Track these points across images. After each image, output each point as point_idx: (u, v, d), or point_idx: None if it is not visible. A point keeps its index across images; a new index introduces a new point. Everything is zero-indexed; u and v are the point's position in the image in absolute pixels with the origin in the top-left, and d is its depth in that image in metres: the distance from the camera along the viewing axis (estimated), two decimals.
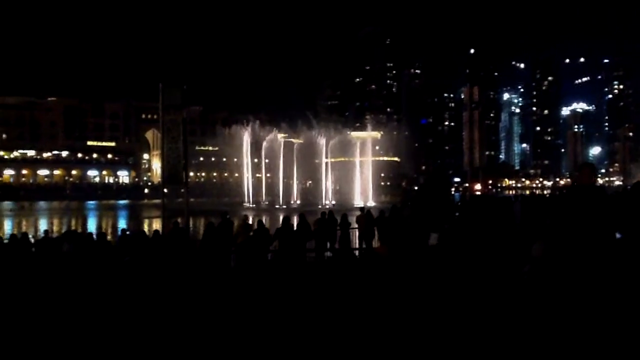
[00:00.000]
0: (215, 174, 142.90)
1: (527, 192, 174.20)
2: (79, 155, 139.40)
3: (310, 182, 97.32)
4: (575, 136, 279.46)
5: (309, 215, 18.57)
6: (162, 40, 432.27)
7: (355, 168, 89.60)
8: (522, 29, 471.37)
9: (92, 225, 49.82)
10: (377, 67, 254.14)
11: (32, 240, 18.20)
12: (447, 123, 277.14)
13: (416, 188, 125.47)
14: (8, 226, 48.42)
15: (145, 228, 39.89)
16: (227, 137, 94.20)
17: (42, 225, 47.69)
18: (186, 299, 10.30)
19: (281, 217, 19.94)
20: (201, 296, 10.72)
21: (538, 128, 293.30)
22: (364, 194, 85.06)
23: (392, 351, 6.16)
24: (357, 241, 19.65)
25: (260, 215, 46.02)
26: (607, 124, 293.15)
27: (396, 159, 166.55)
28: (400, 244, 9.58)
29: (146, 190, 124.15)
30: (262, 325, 7.72)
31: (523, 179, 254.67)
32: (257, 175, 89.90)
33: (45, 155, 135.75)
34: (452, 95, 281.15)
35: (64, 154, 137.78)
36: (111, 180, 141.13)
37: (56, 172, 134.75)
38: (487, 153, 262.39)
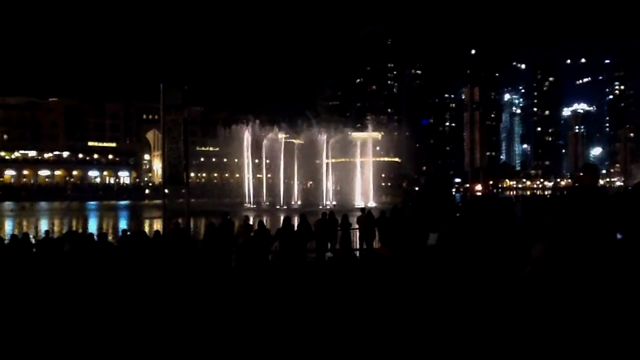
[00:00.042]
0: (216, 175, 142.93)
1: (528, 192, 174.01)
2: (80, 155, 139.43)
3: (311, 182, 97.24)
4: (576, 137, 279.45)
5: (309, 216, 18.57)
6: (163, 41, 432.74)
7: (356, 168, 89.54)
8: (523, 29, 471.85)
9: (93, 226, 49.82)
10: (378, 68, 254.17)
11: (33, 241, 18.20)
12: (448, 124, 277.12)
13: (417, 189, 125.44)
14: (9, 226, 48.44)
15: (146, 228, 39.90)
16: (227, 138, 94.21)
17: (43, 225, 47.70)
18: (187, 300, 10.30)
19: (282, 218, 19.96)
20: (202, 297, 10.72)
21: (539, 129, 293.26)
22: (364, 194, 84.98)
23: (393, 351, 6.15)
24: (357, 242, 19.64)
25: (261, 215, 46.02)
26: (608, 124, 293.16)
27: (397, 159, 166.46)
28: (401, 244, 9.57)
29: (147, 191, 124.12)
30: (263, 326, 7.72)
31: (524, 180, 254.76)
32: (258, 175, 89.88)
33: (46, 155, 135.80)
34: (453, 95, 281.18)
35: (65, 154, 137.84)
36: (112, 181, 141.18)
37: (57, 172, 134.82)
38: (487, 154, 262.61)
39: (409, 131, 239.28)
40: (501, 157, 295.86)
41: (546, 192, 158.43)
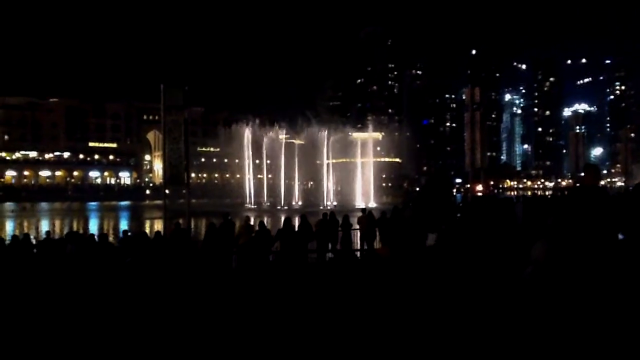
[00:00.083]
0: (216, 175, 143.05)
1: (529, 193, 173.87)
2: (81, 156, 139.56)
3: (311, 183, 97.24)
4: (577, 137, 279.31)
5: (310, 216, 18.57)
6: (163, 41, 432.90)
7: (357, 169, 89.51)
8: (523, 29, 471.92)
9: (93, 227, 49.85)
10: (379, 68, 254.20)
11: (34, 242, 18.20)
12: (448, 124, 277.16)
13: (417, 189, 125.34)
14: (10, 227, 48.47)
15: (147, 229, 39.93)
16: (228, 138, 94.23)
17: (44, 226, 47.73)
18: (188, 300, 10.30)
19: (283, 218, 19.97)
20: (203, 297, 10.72)
21: (540, 129, 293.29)
22: (365, 195, 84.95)
23: (393, 352, 6.15)
24: (358, 242, 19.63)
25: (262, 216, 46.00)
26: (608, 124, 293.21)
27: (398, 160, 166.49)
28: (401, 245, 9.57)
29: (148, 191, 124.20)
30: (264, 326, 7.71)
31: (525, 180, 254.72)
32: (259, 176, 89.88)
33: (47, 156, 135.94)
34: (453, 96, 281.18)
35: (66, 155, 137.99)
36: (113, 181, 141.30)
37: (58, 173, 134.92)
38: (488, 154, 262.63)
39: (409, 131, 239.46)
40: (502, 157, 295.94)
41: (547, 193, 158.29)
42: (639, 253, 6.19)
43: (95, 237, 17.21)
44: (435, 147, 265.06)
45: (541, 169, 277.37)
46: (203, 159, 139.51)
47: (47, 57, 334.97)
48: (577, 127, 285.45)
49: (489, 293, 8.15)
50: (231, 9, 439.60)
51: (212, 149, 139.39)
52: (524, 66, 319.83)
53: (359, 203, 72.88)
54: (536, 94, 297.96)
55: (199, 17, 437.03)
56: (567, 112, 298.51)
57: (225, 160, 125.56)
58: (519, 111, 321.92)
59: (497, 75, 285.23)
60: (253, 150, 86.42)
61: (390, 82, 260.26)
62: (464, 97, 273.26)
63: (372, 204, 70.15)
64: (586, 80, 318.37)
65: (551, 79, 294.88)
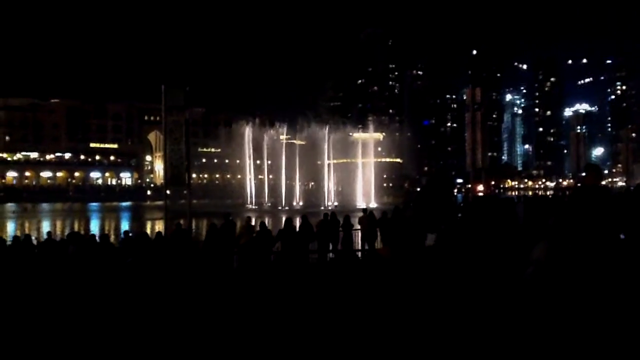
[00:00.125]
0: (217, 176, 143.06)
1: (530, 193, 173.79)
2: (82, 157, 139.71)
3: (312, 183, 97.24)
4: (578, 137, 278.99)
5: (311, 217, 18.57)
6: (164, 42, 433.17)
7: (358, 169, 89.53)
8: (524, 29, 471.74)
9: (95, 227, 49.89)
10: (380, 69, 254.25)
11: (35, 242, 18.22)
12: (449, 124, 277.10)
13: (418, 189, 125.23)
14: (11, 228, 48.51)
15: (148, 230, 39.97)
16: (229, 139, 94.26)
17: (45, 227, 47.75)
18: (189, 301, 10.31)
19: (284, 219, 19.96)
20: (204, 298, 10.72)
21: (540, 129, 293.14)
22: (366, 195, 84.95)
23: (394, 352, 6.15)
24: (359, 242, 19.63)
25: (263, 216, 46.00)
26: (609, 124, 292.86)
27: (398, 160, 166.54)
28: (402, 245, 9.57)
29: (149, 192, 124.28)
30: (265, 327, 7.72)
31: (526, 180, 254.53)
32: (260, 176, 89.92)
33: (48, 157, 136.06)
34: (454, 96, 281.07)
35: (67, 155, 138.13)
36: (114, 182, 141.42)
37: (59, 173, 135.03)
38: (489, 154, 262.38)
39: (410, 132, 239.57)
40: (503, 157, 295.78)
41: (548, 193, 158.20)
42: (639, 253, 6.19)
43: (97, 237, 17.21)
44: (436, 147, 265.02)
45: (542, 169, 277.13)
46: (204, 160, 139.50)
47: (48, 58, 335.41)
48: (578, 127, 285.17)
49: (489, 293, 8.15)
50: (232, 10, 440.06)
51: (213, 150, 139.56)
52: (524, 66, 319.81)
53: (360, 203, 72.89)
54: (537, 94, 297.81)
55: (200, 18, 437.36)
56: (568, 112, 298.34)
57: (226, 161, 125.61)
58: (520, 111, 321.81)
59: (498, 75, 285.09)
60: (254, 150, 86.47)
61: (391, 83, 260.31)
62: (464, 98, 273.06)
63: (373, 204, 70.14)
64: (587, 80, 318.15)
65: (552, 79, 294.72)
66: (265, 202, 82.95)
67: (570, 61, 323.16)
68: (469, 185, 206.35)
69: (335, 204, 78.71)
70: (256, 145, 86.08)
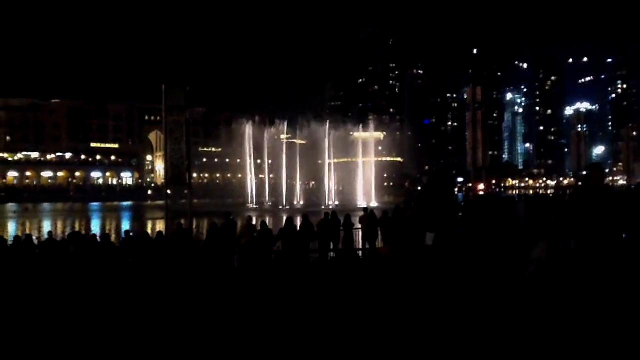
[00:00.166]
0: (218, 175, 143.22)
1: (531, 192, 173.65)
2: (83, 157, 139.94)
3: (313, 182, 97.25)
4: (579, 136, 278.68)
5: (312, 216, 18.59)
6: (165, 42, 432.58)
7: (359, 169, 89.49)
8: (524, 28, 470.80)
9: (95, 227, 49.89)
10: (380, 68, 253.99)
11: (37, 242, 18.25)
12: (450, 123, 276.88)
13: (419, 188, 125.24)
14: (12, 228, 48.55)
15: (149, 229, 39.99)
16: (230, 138, 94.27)
17: (46, 227, 47.79)
18: (190, 300, 10.31)
19: (284, 218, 19.96)
20: (205, 297, 10.73)
21: (541, 128, 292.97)
22: (367, 194, 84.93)
23: (394, 352, 6.15)
24: (360, 242, 19.64)
25: (264, 216, 46.03)
26: (610, 123, 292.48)
27: (399, 159, 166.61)
28: (403, 244, 9.57)
29: (149, 192, 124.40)
30: (266, 326, 7.72)
31: (526, 179, 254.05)
32: (260, 176, 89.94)
33: (49, 157, 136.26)
34: (455, 95, 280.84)
35: (68, 155, 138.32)
36: (114, 182, 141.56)
37: (60, 173, 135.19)
38: (490, 153, 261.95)
39: (411, 131, 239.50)
40: (504, 156, 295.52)
41: (549, 192, 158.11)
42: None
43: (98, 237, 17.24)
44: (437, 146, 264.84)
45: (543, 167, 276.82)
46: (205, 159, 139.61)
47: (49, 59, 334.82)
48: (579, 126, 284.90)
49: (489, 292, 8.15)
50: (232, 10, 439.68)
51: (213, 149, 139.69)
52: (525, 65, 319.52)
53: (361, 202, 72.87)
54: (538, 93, 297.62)
55: (200, 18, 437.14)
56: (568, 110, 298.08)
57: (227, 161, 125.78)
58: (521, 110, 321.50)
59: (499, 74, 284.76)
60: (254, 150, 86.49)
61: (391, 82, 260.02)
62: (465, 97, 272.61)
63: (374, 204, 70.09)
64: (588, 79, 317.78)
65: (553, 77, 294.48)
66: (266, 201, 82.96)
67: (570, 60, 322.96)
68: (470, 185, 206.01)
69: (336, 203, 78.70)
70: (257, 144, 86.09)
